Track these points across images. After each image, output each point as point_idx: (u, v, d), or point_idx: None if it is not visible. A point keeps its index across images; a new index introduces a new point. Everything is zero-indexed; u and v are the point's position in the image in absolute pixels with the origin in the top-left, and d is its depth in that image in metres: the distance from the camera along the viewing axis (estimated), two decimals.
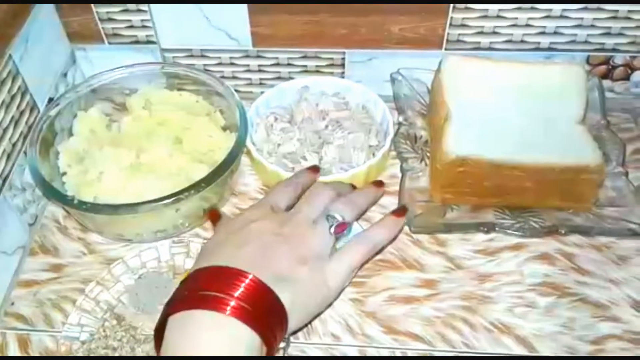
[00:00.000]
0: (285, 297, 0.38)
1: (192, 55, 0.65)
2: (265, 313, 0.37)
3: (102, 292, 0.51)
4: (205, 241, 0.53)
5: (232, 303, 0.36)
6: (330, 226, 0.44)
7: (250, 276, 0.38)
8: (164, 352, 0.36)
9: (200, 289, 0.38)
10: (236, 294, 0.37)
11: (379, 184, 0.52)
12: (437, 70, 0.58)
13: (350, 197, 0.48)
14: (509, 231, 0.52)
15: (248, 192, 0.59)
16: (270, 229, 0.43)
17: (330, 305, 0.45)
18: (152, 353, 0.47)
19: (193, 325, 0.36)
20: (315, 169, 0.53)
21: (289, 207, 0.48)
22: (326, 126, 0.60)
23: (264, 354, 0.37)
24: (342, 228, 0.44)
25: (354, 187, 0.52)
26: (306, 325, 0.47)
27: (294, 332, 0.45)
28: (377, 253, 0.50)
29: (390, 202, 0.56)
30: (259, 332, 0.36)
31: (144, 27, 0.63)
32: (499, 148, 0.51)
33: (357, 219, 0.48)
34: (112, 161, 0.54)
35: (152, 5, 0.61)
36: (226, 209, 0.57)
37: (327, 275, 0.42)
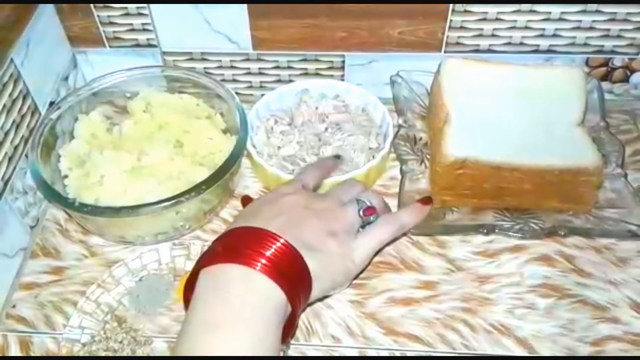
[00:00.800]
0: (312, 265, 0.40)
1: (192, 59, 0.66)
2: (293, 275, 0.39)
3: (103, 295, 0.51)
4: (205, 243, 0.54)
5: (263, 261, 0.38)
6: (359, 209, 0.46)
7: (282, 240, 0.39)
8: (194, 304, 0.37)
9: (232, 245, 0.39)
10: (267, 253, 0.38)
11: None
12: (437, 72, 0.58)
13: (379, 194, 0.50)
14: (509, 233, 0.52)
15: (248, 194, 0.59)
16: (302, 203, 0.44)
17: (353, 279, 0.46)
18: (153, 354, 0.48)
19: (224, 278, 0.38)
20: (337, 156, 0.56)
21: (316, 188, 0.51)
22: (326, 129, 0.60)
23: (288, 314, 0.39)
24: (370, 212, 0.46)
25: None
26: (323, 299, 0.48)
27: (316, 301, 0.46)
28: (400, 237, 0.52)
29: (390, 204, 0.56)
30: (286, 291, 0.38)
31: (144, 30, 0.63)
32: (498, 150, 0.51)
33: (382, 214, 0.48)
34: (113, 164, 0.54)
35: (153, 9, 0.61)
36: (226, 212, 0.57)
37: (354, 251, 0.44)
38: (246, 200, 0.52)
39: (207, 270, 0.38)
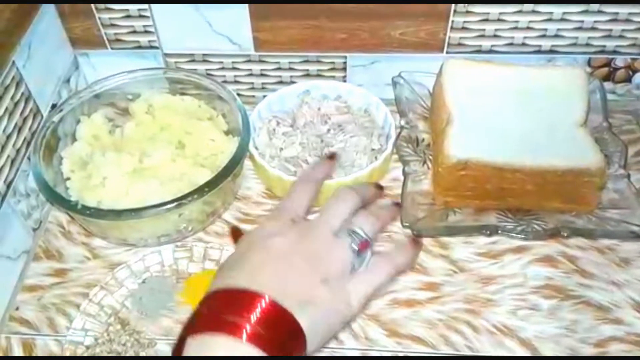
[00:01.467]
0: (304, 320, 0.37)
1: (194, 60, 0.66)
2: (283, 337, 0.37)
3: (106, 297, 0.51)
4: (208, 245, 0.54)
5: (249, 328, 0.35)
6: (352, 243, 0.42)
7: (267, 299, 0.37)
8: None
9: (218, 311, 0.37)
10: (253, 318, 0.36)
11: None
12: (439, 73, 0.58)
13: (373, 211, 0.46)
14: (512, 234, 0.52)
15: (251, 196, 0.59)
16: (290, 246, 0.41)
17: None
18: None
19: (210, 349, 0.36)
20: (331, 157, 0.52)
21: (309, 210, 0.46)
22: (328, 130, 0.60)
23: None
24: (364, 245, 0.42)
25: (379, 186, 0.50)
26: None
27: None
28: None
29: None
30: (276, 357, 0.35)
31: (146, 32, 0.63)
32: (500, 151, 0.51)
33: (377, 235, 0.45)
34: (115, 166, 0.54)
35: (154, 11, 0.61)
36: (230, 214, 0.57)
37: (350, 294, 0.40)
38: (235, 233, 0.48)
39: (193, 340, 0.36)
